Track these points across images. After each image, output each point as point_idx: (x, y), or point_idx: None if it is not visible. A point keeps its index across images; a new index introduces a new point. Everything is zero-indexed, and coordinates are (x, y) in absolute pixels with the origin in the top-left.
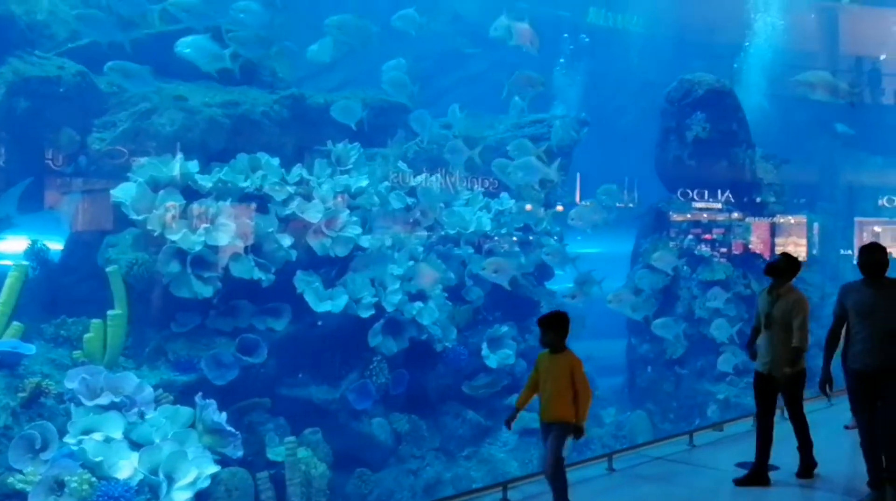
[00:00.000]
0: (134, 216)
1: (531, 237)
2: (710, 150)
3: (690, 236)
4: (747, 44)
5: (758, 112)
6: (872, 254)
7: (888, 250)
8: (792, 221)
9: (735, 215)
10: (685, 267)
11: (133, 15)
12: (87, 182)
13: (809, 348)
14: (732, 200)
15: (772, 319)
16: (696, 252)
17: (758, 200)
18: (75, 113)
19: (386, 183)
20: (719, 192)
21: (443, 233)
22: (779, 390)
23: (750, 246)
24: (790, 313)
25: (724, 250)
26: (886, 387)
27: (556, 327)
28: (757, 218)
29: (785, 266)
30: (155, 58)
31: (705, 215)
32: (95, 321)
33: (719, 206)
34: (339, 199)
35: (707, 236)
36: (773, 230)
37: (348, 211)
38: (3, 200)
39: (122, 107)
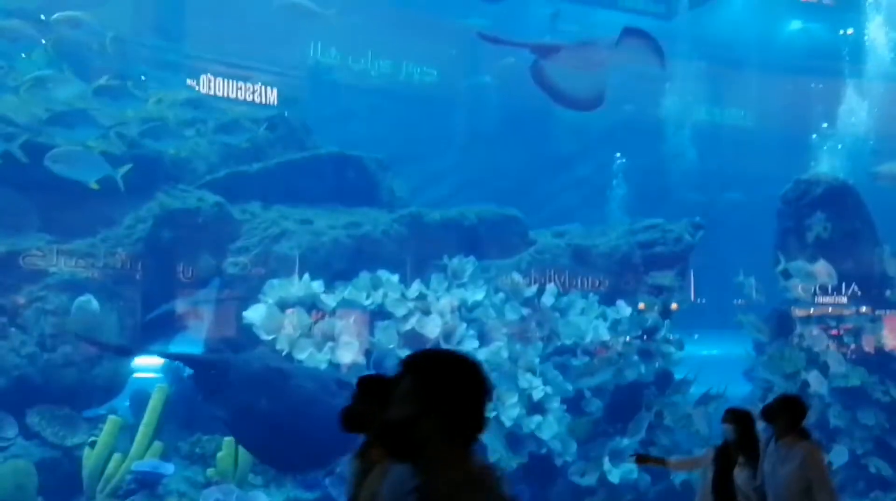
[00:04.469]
0: (264, 336)
1: (651, 342)
2: (833, 250)
3: (819, 340)
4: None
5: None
6: None
7: None
8: None
9: (867, 315)
10: (816, 373)
11: (262, 145)
12: (221, 303)
13: None
14: (863, 300)
15: None
16: (825, 357)
17: (889, 295)
18: (212, 240)
19: (501, 294)
20: (847, 292)
21: (559, 343)
22: None
23: (886, 348)
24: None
25: (856, 353)
26: None
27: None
28: (892, 316)
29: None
30: (283, 184)
31: (834, 317)
32: (227, 439)
33: (849, 307)
34: (456, 312)
35: (838, 339)
36: None
37: (465, 324)
38: (147, 322)
39: (253, 232)
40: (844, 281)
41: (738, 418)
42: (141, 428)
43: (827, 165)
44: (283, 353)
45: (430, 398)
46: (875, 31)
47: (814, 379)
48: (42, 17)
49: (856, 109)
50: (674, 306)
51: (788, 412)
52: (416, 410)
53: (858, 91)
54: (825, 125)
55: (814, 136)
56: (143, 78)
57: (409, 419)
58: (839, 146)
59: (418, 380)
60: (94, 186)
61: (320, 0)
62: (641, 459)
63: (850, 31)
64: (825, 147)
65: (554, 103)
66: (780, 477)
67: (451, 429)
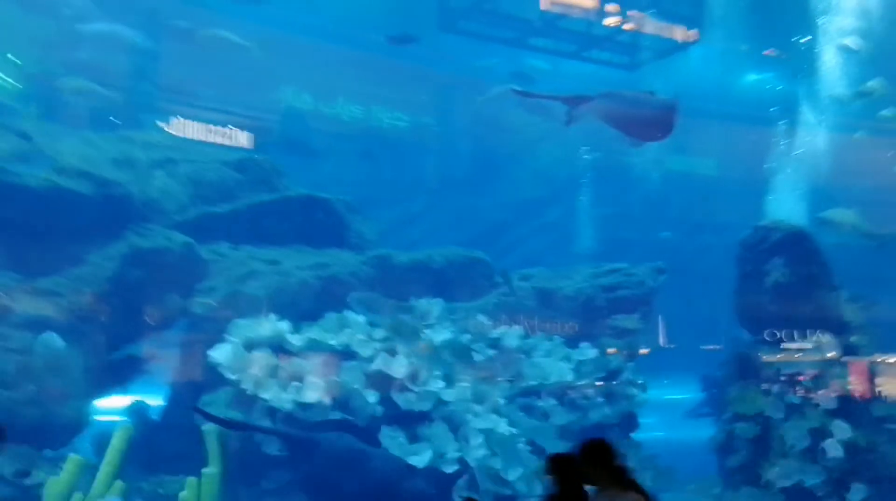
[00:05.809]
0: (229, 376)
1: (615, 384)
2: (791, 294)
3: (780, 382)
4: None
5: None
6: None
7: None
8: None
9: (826, 358)
10: (776, 415)
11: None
12: (187, 343)
13: None
14: (822, 343)
15: None
16: (785, 399)
17: (849, 340)
18: (180, 279)
19: (467, 335)
20: (806, 335)
21: (524, 384)
22: None
23: (843, 391)
24: None
25: (817, 395)
26: None
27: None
28: (850, 360)
29: None
30: (252, 225)
31: (793, 360)
32: (190, 479)
33: (807, 351)
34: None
35: (798, 382)
36: (872, 372)
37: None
38: (112, 361)
39: (221, 273)
40: (802, 325)
41: (560, 467)
42: (103, 467)
43: (784, 212)
44: (248, 393)
45: None
46: (823, 84)
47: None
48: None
49: (809, 158)
50: (644, 351)
51: (600, 460)
52: None
53: (812, 140)
54: (779, 173)
55: (770, 183)
56: (114, 119)
57: None
58: (796, 193)
59: None
60: None
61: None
62: None
63: (801, 83)
64: (782, 194)
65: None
66: None
67: None
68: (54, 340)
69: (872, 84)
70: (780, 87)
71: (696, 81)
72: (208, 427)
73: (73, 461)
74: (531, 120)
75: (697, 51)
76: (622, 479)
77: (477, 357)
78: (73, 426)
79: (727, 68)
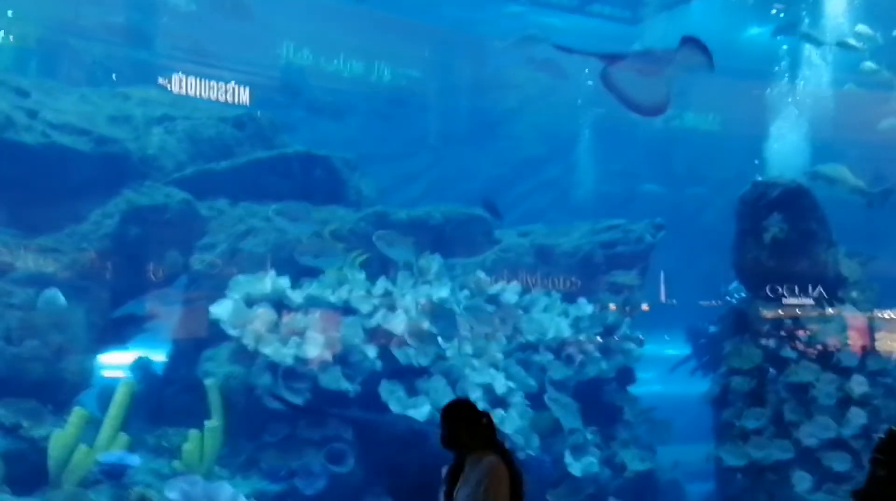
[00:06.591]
0: (230, 332)
1: (612, 340)
2: (789, 250)
3: (775, 337)
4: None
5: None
6: None
7: None
8: (891, 315)
9: (822, 313)
10: (771, 369)
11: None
12: (188, 300)
13: None
14: (818, 298)
15: None
16: (781, 353)
17: (847, 295)
18: (179, 236)
19: (465, 292)
20: (802, 291)
21: (522, 340)
22: None
23: (839, 346)
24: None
25: (812, 350)
26: None
27: None
28: (847, 315)
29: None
30: (251, 182)
31: (790, 315)
32: (193, 432)
33: (804, 305)
34: (422, 308)
35: (794, 336)
36: (868, 327)
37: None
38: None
39: (220, 229)
40: (800, 281)
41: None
42: (107, 420)
43: (783, 167)
44: (249, 348)
45: None
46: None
47: (771, 375)
48: (9, 13)
49: (810, 114)
50: (644, 306)
51: (461, 421)
52: None
53: (805, 93)
54: (772, 127)
55: (771, 139)
56: (114, 76)
57: None
58: (795, 150)
59: None
60: None
61: None
62: None
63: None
64: (781, 150)
65: (621, 106)
66: (460, 499)
67: None
68: (57, 296)
69: (859, 30)
70: (780, 39)
71: (698, 35)
72: (210, 382)
73: (77, 414)
74: (533, 76)
75: (699, 4)
76: (488, 441)
77: (475, 313)
78: (76, 382)
79: (730, 21)
